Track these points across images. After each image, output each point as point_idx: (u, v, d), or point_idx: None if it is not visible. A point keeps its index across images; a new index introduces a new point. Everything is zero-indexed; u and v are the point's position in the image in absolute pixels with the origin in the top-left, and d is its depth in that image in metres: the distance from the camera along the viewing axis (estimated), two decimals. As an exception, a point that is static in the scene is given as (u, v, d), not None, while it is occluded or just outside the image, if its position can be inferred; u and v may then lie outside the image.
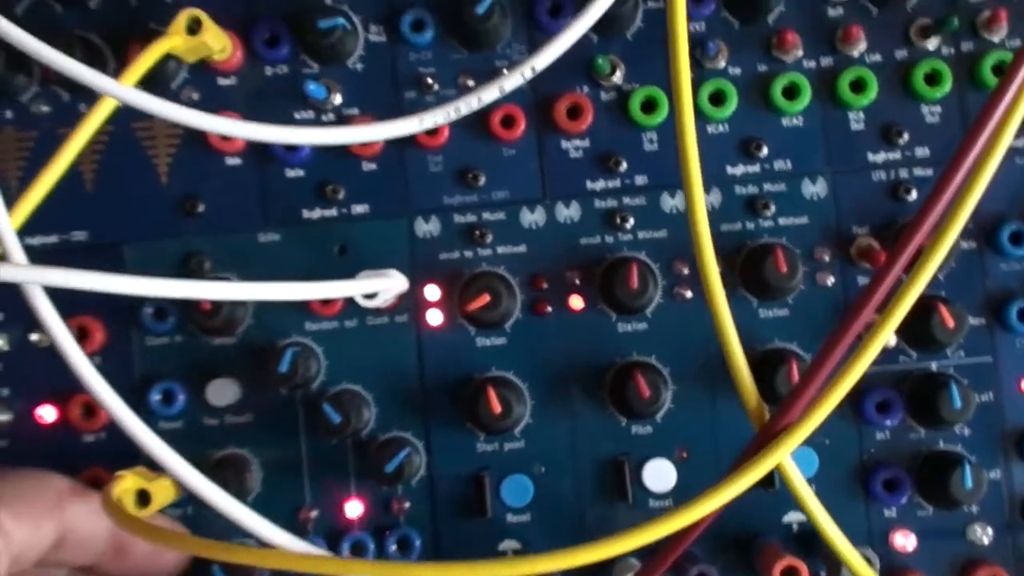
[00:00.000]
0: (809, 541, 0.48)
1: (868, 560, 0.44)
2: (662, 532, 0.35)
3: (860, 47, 0.49)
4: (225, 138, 0.48)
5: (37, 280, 0.34)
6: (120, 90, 0.35)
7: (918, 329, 0.47)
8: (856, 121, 0.49)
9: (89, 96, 0.47)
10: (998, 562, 0.48)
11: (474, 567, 0.34)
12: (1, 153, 0.49)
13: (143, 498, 0.45)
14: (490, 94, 0.39)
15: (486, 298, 0.46)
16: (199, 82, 0.49)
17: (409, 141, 0.48)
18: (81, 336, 0.48)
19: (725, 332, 0.39)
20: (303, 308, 0.49)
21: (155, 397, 0.48)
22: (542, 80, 0.46)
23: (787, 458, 0.38)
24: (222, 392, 0.48)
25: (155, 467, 0.42)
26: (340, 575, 0.34)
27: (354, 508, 0.48)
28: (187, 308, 0.47)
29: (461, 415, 0.48)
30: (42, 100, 0.49)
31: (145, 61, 0.41)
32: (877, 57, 0.49)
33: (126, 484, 0.44)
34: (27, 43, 0.34)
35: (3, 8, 0.48)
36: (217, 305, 0.46)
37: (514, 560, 0.35)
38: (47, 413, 0.48)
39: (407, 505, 0.49)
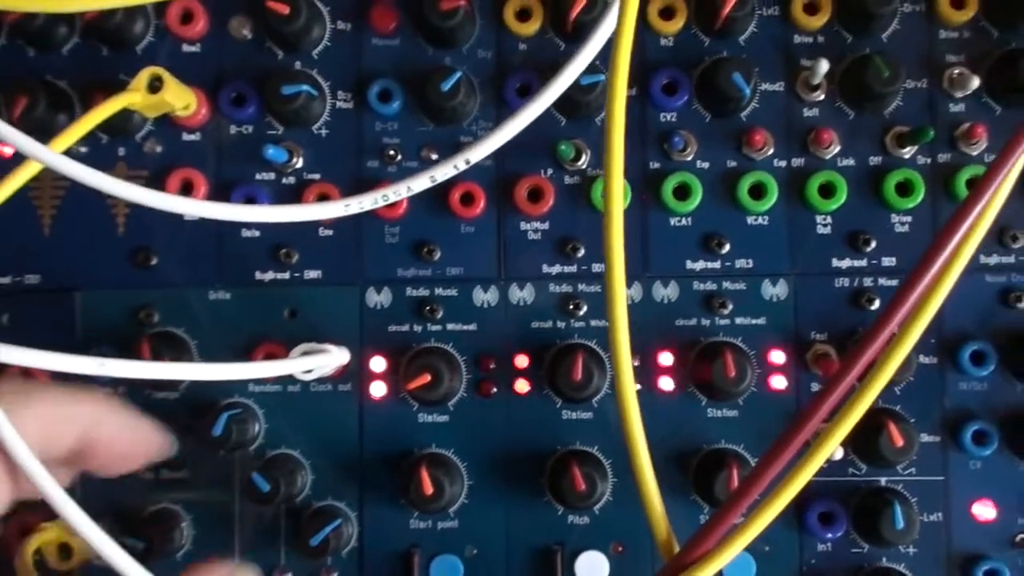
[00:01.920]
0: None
1: None
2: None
3: (833, 150, 0.48)
4: (185, 192, 0.48)
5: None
6: (47, 155, 0.35)
7: (867, 444, 0.46)
8: (823, 225, 0.48)
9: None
10: None
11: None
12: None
13: (65, 551, 0.45)
14: (420, 183, 0.38)
15: (427, 377, 0.46)
16: (163, 135, 0.49)
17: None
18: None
19: (639, 461, 0.38)
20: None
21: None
22: (506, 159, 0.46)
23: None
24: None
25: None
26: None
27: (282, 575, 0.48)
28: (131, 361, 0.47)
29: (397, 489, 0.48)
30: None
31: (91, 120, 0.41)
32: (850, 161, 0.48)
33: (48, 536, 0.44)
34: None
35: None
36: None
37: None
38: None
39: None
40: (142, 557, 0.43)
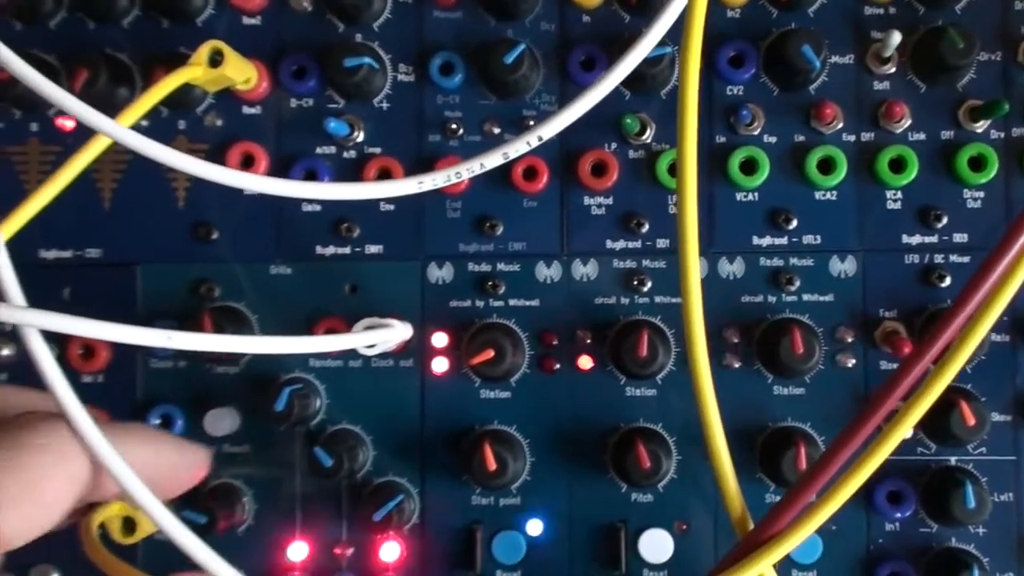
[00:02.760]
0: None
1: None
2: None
3: (904, 124, 0.47)
4: (245, 165, 0.48)
5: (32, 323, 0.33)
6: (115, 129, 0.34)
7: (937, 423, 0.46)
8: (893, 200, 0.47)
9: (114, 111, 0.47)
10: (1003, 669, 0.46)
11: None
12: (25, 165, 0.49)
13: (129, 525, 0.45)
14: (493, 160, 0.37)
15: (490, 353, 0.46)
16: (224, 109, 0.49)
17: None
18: (87, 355, 0.48)
19: (713, 438, 0.37)
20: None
21: (154, 420, 0.48)
22: (569, 133, 0.45)
23: (770, 571, 0.37)
24: (220, 422, 0.47)
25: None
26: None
27: (344, 551, 0.48)
28: (193, 335, 0.47)
29: (459, 465, 0.47)
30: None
31: (154, 95, 0.41)
32: (921, 136, 0.47)
33: (112, 510, 0.44)
34: (24, 73, 0.33)
35: (35, 22, 0.48)
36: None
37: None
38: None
39: (397, 552, 0.48)
40: (204, 531, 0.44)
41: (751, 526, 0.38)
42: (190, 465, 0.40)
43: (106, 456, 0.33)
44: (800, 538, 0.36)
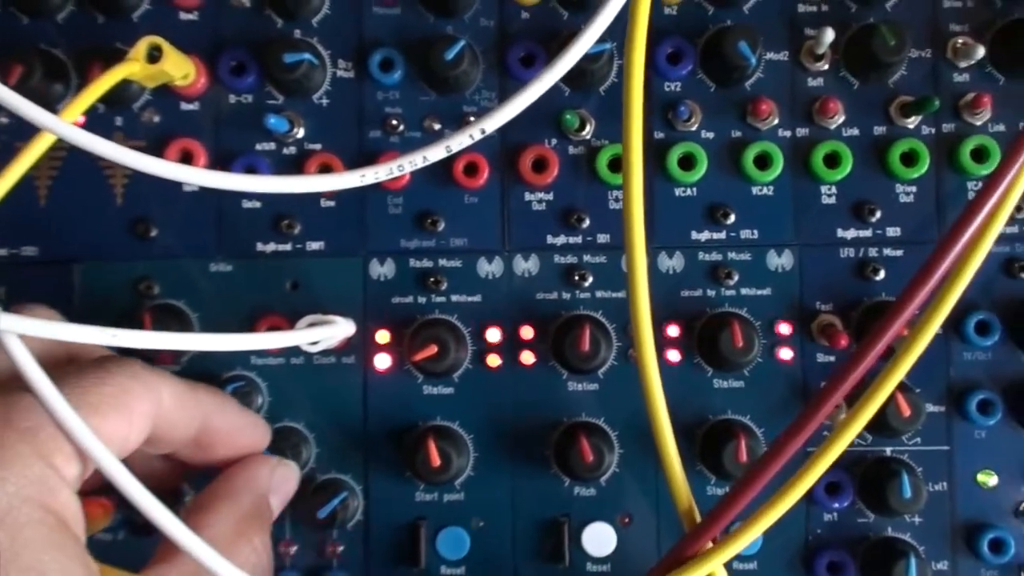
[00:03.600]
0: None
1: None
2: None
3: (838, 120, 0.48)
4: (184, 162, 0.47)
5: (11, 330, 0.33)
6: (60, 126, 0.34)
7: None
8: (828, 195, 0.48)
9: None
10: (938, 656, 0.47)
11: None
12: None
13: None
14: (436, 153, 0.38)
15: (433, 349, 0.46)
16: (161, 105, 0.48)
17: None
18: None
19: (660, 429, 0.38)
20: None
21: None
22: (510, 129, 0.45)
23: (720, 569, 0.37)
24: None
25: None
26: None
27: (288, 548, 0.48)
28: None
29: (402, 462, 0.47)
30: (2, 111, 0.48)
31: (95, 91, 0.40)
32: (855, 131, 0.48)
33: None
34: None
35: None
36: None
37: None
38: None
39: (341, 549, 0.48)
40: (145, 532, 0.43)
41: (698, 519, 0.38)
42: (252, 430, 0.43)
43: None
44: (749, 539, 0.37)
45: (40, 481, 0.32)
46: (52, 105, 0.46)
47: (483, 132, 0.38)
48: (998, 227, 0.39)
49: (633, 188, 0.38)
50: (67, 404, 0.32)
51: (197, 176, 0.36)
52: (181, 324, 0.47)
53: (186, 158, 0.48)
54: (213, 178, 0.36)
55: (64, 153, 0.48)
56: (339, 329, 0.45)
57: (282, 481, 0.43)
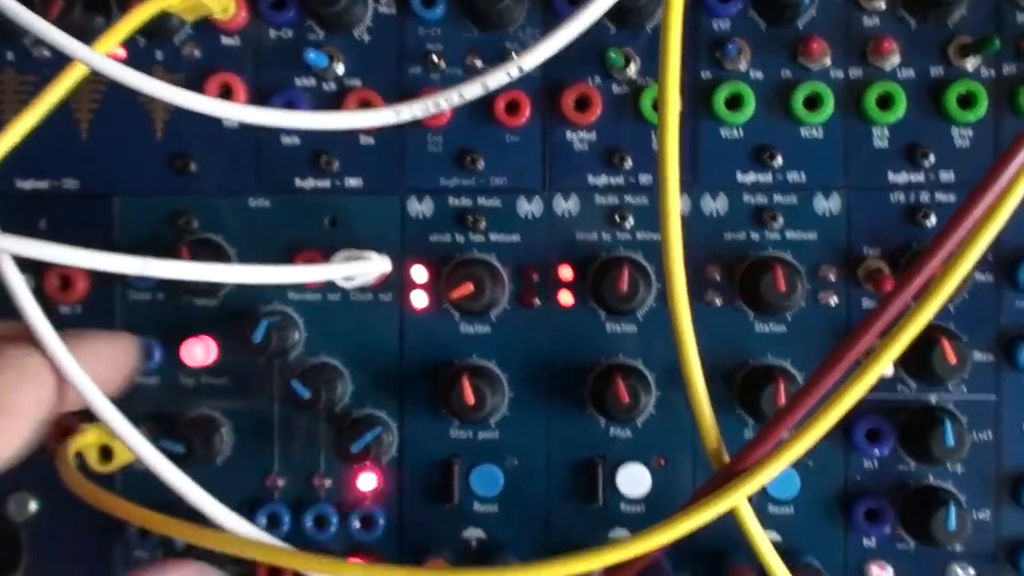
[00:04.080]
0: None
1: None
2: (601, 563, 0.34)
3: (893, 61, 0.46)
4: (224, 97, 0.47)
5: (7, 249, 0.33)
6: (93, 58, 0.34)
7: (919, 361, 0.45)
8: (880, 138, 0.47)
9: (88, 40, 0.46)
10: (977, 605, 0.47)
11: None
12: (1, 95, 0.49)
13: (105, 454, 0.45)
14: (472, 90, 0.37)
15: (469, 287, 0.45)
16: (202, 39, 0.48)
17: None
18: (64, 285, 0.48)
19: (689, 366, 0.37)
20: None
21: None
22: (552, 67, 0.45)
23: (743, 502, 0.37)
24: (198, 353, 0.47)
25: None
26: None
27: (321, 482, 0.48)
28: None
29: (437, 399, 0.47)
30: (43, 44, 0.48)
31: (130, 23, 0.40)
32: (910, 73, 0.46)
33: (88, 439, 0.44)
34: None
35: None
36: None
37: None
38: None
39: (375, 483, 0.48)
40: (182, 462, 0.44)
41: (727, 459, 0.38)
42: (126, 353, 0.42)
43: (71, 373, 0.33)
44: (774, 472, 0.36)
45: None
46: (93, 38, 0.46)
47: (521, 70, 0.37)
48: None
49: (669, 128, 0.37)
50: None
51: (235, 111, 0.36)
52: (219, 259, 0.47)
53: (226, 93, 0.47)
54: (250, 113, 0.37)
55: (104, 87, 0.48)
56: (374, 265, 0.45)
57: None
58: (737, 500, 0.37)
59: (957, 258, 0.37)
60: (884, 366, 0.37)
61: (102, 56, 0.34)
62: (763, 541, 0.38)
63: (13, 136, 0.39)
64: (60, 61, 0.46)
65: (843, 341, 0.38)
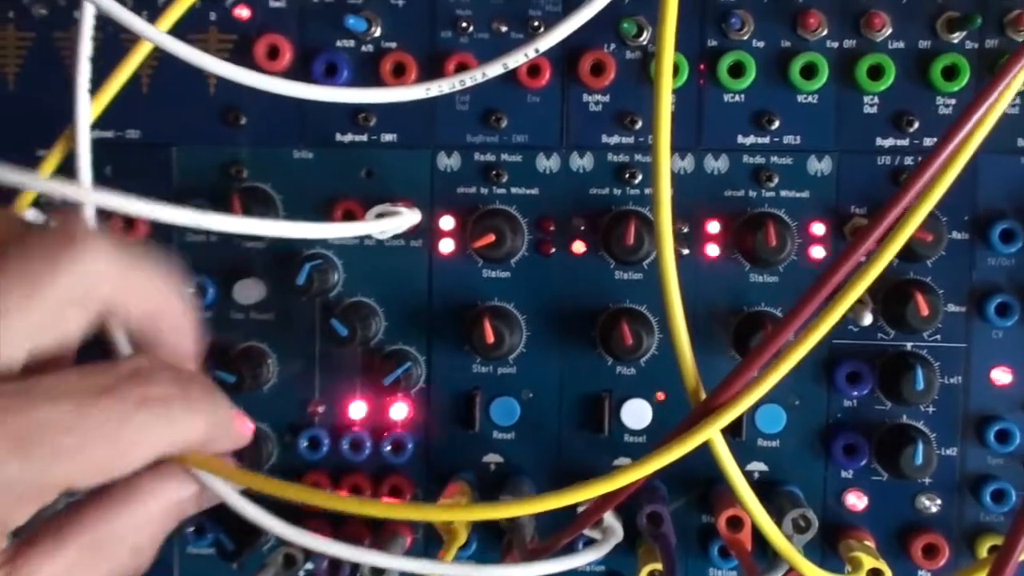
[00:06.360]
0: (767, 492, 0.52)
1: (806, 520, 0.47)
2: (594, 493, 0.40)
3: (884, 33, 0.50)
4: (271, 57, 0.52)
5: (96, 203, 0.38)
6: (157, 36, 0.39)
7: (896, 312, 0.50)
8: (870, 105, 0.51)
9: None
10: (940, 531, 0.52)
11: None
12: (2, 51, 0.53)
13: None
14: (494, 70, 0.42)
15: (491, 237, 0.50)
16: (252, 1, 0.52)
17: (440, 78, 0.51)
18: (128, 227, 0.52)
19: (672, 312, 0.41)
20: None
21: (188, 291, 0.52)
22: (571, 35, 0.49)
23: (717, 435, 0.41)
24: (248, 291, 0.52)
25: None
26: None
27: (357, 409, 0.54)
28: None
29: (461, 337, 0.52)
30: (41, 4, 0.53)
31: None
32: (900, 44, 0.50)
33: None
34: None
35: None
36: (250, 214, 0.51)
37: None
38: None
39: (405, 411, 0.53)
40: (232, 389, 0.49)
41: (703, 396, 0.42)
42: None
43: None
44: (747, 403, 0.40)
45: None
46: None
47: (536, 51, 0.42)
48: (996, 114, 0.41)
49: (663, 94, 0.40)
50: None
51: (278, 86, 0.41)
52: (266, 205, 0.52)
53: (272, 53, 0.52)
54: (292, 88, 0.41)
55: (163, 46, 0.52)
56: (404, 220, 0.49)
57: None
58: (711, 433, 0.40)
59: (918, 203, 0.40)
60: (848, 303, 0.39)
61: (170, 37, 0.39)
62: (733, 468, 0.41)
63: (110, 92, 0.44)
64: (57, 20, 0.52)
65: (811, 283, 0.40)
